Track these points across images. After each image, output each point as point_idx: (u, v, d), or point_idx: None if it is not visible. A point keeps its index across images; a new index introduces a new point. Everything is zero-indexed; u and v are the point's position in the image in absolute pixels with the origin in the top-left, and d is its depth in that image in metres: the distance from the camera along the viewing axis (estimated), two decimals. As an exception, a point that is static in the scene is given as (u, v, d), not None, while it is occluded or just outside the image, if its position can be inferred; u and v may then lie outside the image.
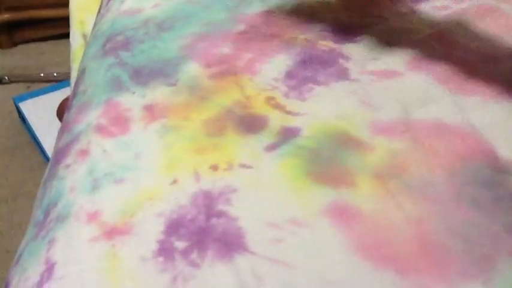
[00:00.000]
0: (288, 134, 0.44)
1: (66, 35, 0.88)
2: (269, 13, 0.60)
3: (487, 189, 0.38)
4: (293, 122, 0.45)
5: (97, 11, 0.74)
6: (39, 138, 1.30)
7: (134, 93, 0.51)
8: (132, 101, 0.50)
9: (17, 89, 1.64)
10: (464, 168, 0.40)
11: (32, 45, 1.87)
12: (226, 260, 0.35)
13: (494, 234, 0.36)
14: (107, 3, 0.70)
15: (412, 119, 0.44)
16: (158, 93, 0.51)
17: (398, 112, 0.45)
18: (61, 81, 1.52)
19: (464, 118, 0.45)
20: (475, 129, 0.43)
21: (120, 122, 0.48)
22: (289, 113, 0.47)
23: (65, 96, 1.34)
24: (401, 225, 0.37)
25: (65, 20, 0.90)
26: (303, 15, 0.59)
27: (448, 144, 0.43)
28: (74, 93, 0.56)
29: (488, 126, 0.44)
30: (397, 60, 0.52)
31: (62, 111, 1.31)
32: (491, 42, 0.53)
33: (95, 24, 0.69)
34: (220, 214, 0.38)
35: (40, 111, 1.34)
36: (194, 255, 0.36)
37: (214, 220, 0.38)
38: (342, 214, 0.38)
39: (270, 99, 0.48)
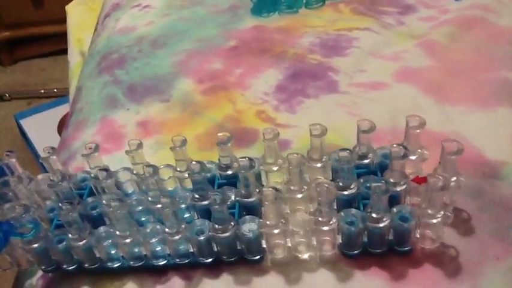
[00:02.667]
0: (279, 147, 0.45)
1: (66, 51, 0.89)
2: (259, 28, 0.62)
3: (472, 199, 0.39)
4: (283, 134, 0.46)
5: (93, 28, 0.75)
6: (40, 154, 1.31)
7: (128, 109, 0.52)
8: (126, 117, 0.51)
9: (18, 105, 1.66)
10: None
11: (33, 62, 1.88)
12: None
13: (481, 240, 0.37)
14: (103, 22, 0.72)
15: (399, 128, 0.45)
16: (152, 109, 0.52)
17: (386, 122, 0.46)
18: (61, 97, 1.54)
19: (451, 127, 0.46)
20: (462, 136, 0.44)
21: (114, 139, 0.49)
22: (279, 125, 0.48)
23: (65, 112, 1.35)
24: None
25: (65, 36, 0.91)
26: (293, 30, 0.61)
27: (436, 152, 0.43)
28: (72, 111, 0.58)
29: (475, 134, 0.45)
30: (384, 71, 0.53)
31: (62, 127, 1.32)
32: (477, 52, 0.54)
33: (91, 43, 0.71)
34: None
35: (41, 128, 1.35)
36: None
37: None
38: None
39: (260, 113, 0.50)
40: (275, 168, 0.38)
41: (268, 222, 0.35)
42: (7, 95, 1.69)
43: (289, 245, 0.36)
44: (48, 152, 0.39)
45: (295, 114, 0.49)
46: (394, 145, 0.36)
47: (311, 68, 0.54)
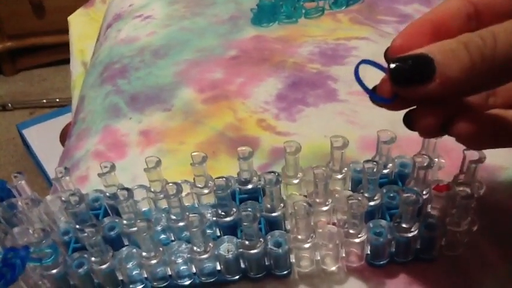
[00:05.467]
0: (279, 154, 0.46)
1: (67, 61, 0.90)
2: (259, 38, 0.63)
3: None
4: (283, 142, 0.47)
5: (95, 39, 0.76)
6: (42, 163, 1.32)
7: (131, 119, 0.53)
8: (129, 126, 0.52)
9: (20, 115, 1.67)
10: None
11: (34, 72, 1.90)
12: None
13: (478, 246, 0.37)
14: (105, 32, 0.73)
15: (399, 135, 0.46)
16: (154, 118, 0.53)
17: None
18: (63, 106, 1.55)
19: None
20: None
21: (117, 148, 0.50)
22: (279, 133, 0.49)
23: (67, 122, 1.36)
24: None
25: (66, 46, 0.92)
26: (292, 39, 0.62)
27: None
28: (74, 121, 0.58)
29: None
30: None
31: (64, 136, 1.33)
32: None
33: (93, 53, 0.72)
34: None
35: (43, 138, 1.36)
36: None
37: None
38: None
39: (261, 121, 0.50)
40: (295, 182, 0.39)
41: (299, 237, 0.35)
42: (9, 104, 1.70)
43: (318, 258, 0.36)
44: (61, 173, 0.39)
45: (295, 122, 0.50)
46: (424, 155, 0.36)
47: (310, 77, 0.55)
